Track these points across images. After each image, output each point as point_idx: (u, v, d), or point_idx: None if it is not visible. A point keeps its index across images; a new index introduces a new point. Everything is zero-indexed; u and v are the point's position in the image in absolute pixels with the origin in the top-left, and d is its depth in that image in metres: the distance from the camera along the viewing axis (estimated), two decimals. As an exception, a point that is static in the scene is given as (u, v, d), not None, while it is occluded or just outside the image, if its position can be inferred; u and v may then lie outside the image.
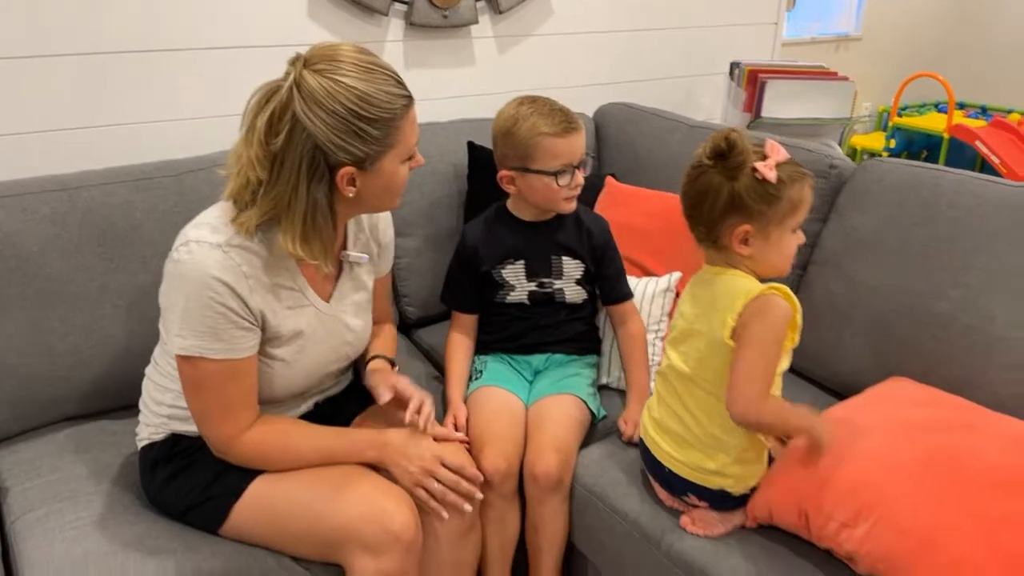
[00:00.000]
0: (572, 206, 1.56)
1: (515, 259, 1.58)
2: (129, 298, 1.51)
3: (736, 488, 1.22)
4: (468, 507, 1.27)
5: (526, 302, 1.59)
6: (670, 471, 1.25)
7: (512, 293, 1.59)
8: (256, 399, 1.23)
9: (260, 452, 1.22)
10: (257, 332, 1.19)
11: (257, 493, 1.22)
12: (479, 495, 1.30)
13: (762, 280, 1.20)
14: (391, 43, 2.00)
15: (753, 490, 1.22)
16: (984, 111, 5.12)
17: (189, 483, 1.24)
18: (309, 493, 1.20)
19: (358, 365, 1.47)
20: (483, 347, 1.64)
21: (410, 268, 1.90)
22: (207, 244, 1.14)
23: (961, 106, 5.22)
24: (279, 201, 1.13)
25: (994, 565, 0.99)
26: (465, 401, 1.53)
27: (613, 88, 2.43)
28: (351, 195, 1.17)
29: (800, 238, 1.23)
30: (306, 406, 1.36)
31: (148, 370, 1.34)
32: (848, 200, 1.63)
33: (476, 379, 1.58)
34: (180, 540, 1.22)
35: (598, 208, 1.91)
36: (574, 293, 1.60)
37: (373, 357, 1.43)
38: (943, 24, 5.34)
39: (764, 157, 1.16)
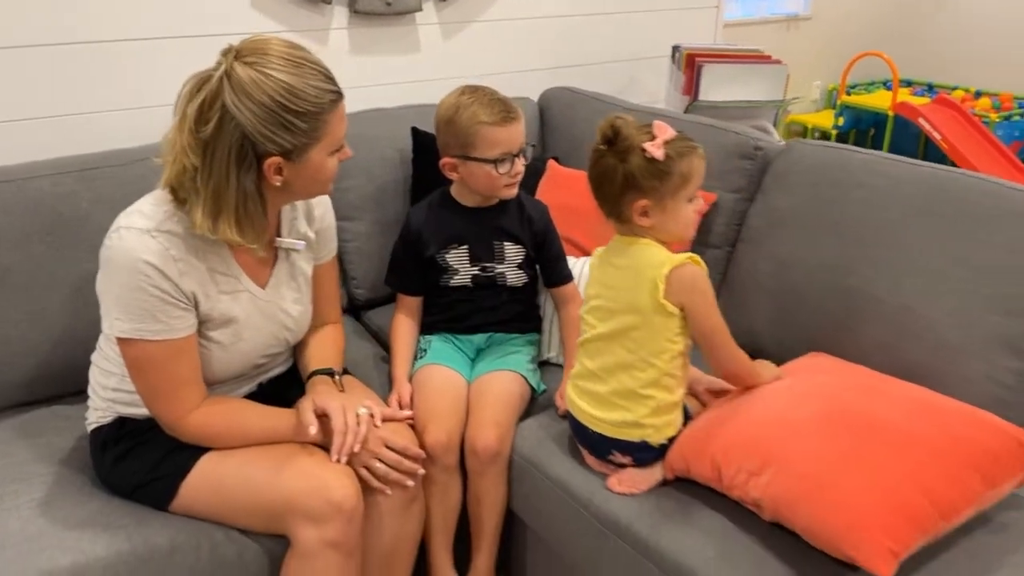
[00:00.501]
0: (513, 192, 1.63)
1: (459, 244, 1.64)
2: (76, 286, 1.55)
3: (655, 438, 1.31)
4: (410, 483, 1.34)
5: (469, 285, 1.66)
6: (594, 432, 1.34)
7: (456, 277, 1.65)
8: (201, 377, 1.29)
9: (208, 431, 1.28)
10: (193, 312, 1.24)
11: (204, 470, 1.28)
12: (421, 471, 1.37)
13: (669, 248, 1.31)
14: (336, 31, 2.04)
15: (671, 440, 1.32)
16: (931, 88, 5.25)
17: (137, 463, 1.29)
18: (254, 468, 1.27)
19: (297, 362, 1.51)
20: (427, 327, 1.70)
21: (359, 252, 1.95)
22: (135, 230, 1.19)
23: (909, 84, 5.35)
24: (216, 189, 1.18)
25: (881, 509, 1.09)
26: (410, 379, 1.60)
27: (557, 72, 2.48)
28: (279, 184, 1.22)
29: (698, 205, 1.33)
30: (249, 387, 1.42)
31: (94, 356, 1.39)
32: (772, 181, 1.71)
33: (421, 358, 1.65)
34: (132, 516, 1.28)
35: (540, 190, 1.98)
36: (515, 277, 1.66)
37: (313, 373, 1.42)
38: (891, 3, 5.45)
39: (653, 137, 1.24)
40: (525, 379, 1.59)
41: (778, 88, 2.31)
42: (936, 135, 4.32)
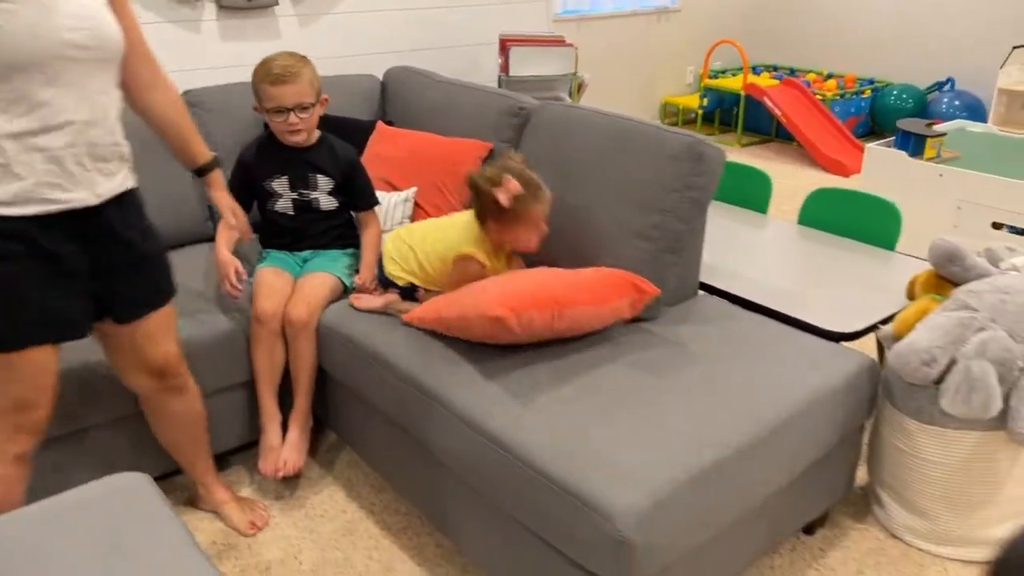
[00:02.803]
0: (296, 138, 2.04)
1: (280, 175, 2.10)
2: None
3: (398, 282, 1.96)
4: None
5: (291, 211, 2.12)
6: (388, 278, 1.96)
7: (279, 201, 2.11)
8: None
9: None
10: None
11: None
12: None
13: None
14: (207, 22, 2.57)
15: (411, 285, 1.96)
16: (792, 72, 5.90)
17: None
18: None
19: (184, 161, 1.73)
20: (265, 245, 2.22)
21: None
22: None
23: (775, 68, 6.00)
24: None
25: (510, 297, 1.63)
26: (251, 276, 2.09)
27: (408, 55, 3.03)
28: None
29: (537, 229, 1.87)
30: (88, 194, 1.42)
31: None
32: (529, 133, 2.27)
33: (260, 261, 2.16)
34: None
35: (370, 144, 2.52)
36: (328, 201, 2.13)
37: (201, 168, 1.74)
38: (752, -3, 6.04)
39: (504, 185, 1.80)
40: (340, 278, 2.14)
41: (569, 65, 2.87)
42: (777, 111, 4.97)
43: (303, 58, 2.04)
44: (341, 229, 2.23)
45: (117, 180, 1.49)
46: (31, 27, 1.27)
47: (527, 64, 2.81)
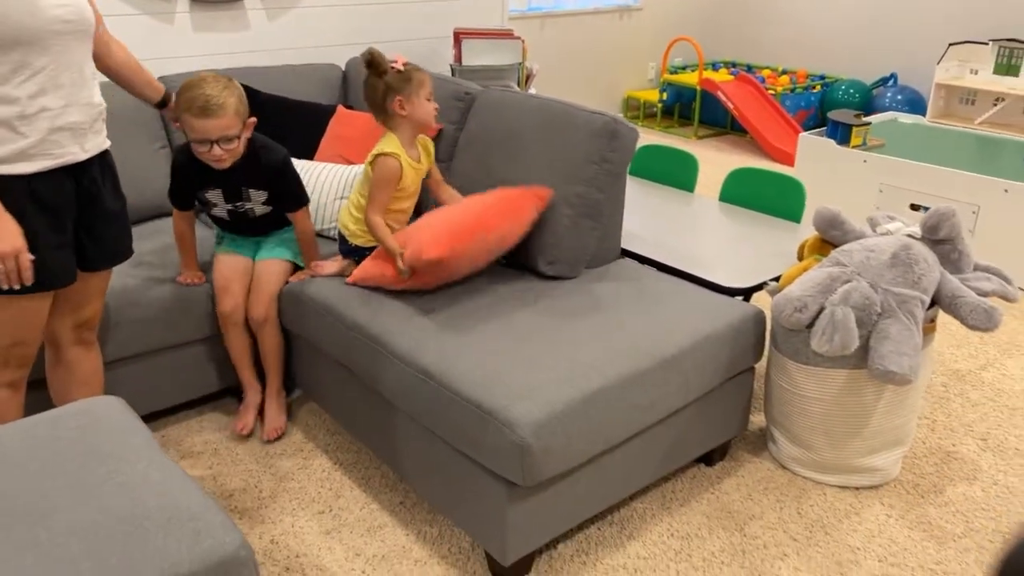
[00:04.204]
0: (220, 167, 2.01)
1: (213, 187, 2.11)
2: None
3: (356, 241, 2.16)
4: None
5: (227, 218, 2.20)
6: (354, 247, 2.17)
7: (216, 208, 2.17)
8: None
9: None
10: None
11: None
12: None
13: (419, 132, 2.11)
14: (180, 14, 2.80)
15: (361, 248, 2.15)
16: (749, 68, 6.17)
17: None
18: None
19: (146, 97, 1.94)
20: (218, 227, 2.31)
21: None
22: None
23: (733, 64, 6.27)
24: None
25: (437, 231, 1.88)
26: (213, 257, 2.24)
27: (369, 46, 3.26)
28: None
29: (432, 105, 2.07)
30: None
31: None
32: (473, 115, 2.52)
33: (219, 244, 2.28)
34: None
35: (330, 125, 2.76)
36: (262, 209, 2.19)
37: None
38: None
39: (395, 61, 2.04)
40: (292, 262, 2.29)
41: (516, 56, 3.12)
42: (730, 105, 5.24)
43: (230, 82, 1.97)
44: (280, 217, 2.29)
45: (101, 137, 1.72)
46: (28, 5, 1.50)
47: (478, 55, 3.06)
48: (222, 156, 1.97)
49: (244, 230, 2.28)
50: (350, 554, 1.85)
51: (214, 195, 2.14)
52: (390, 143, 2.08)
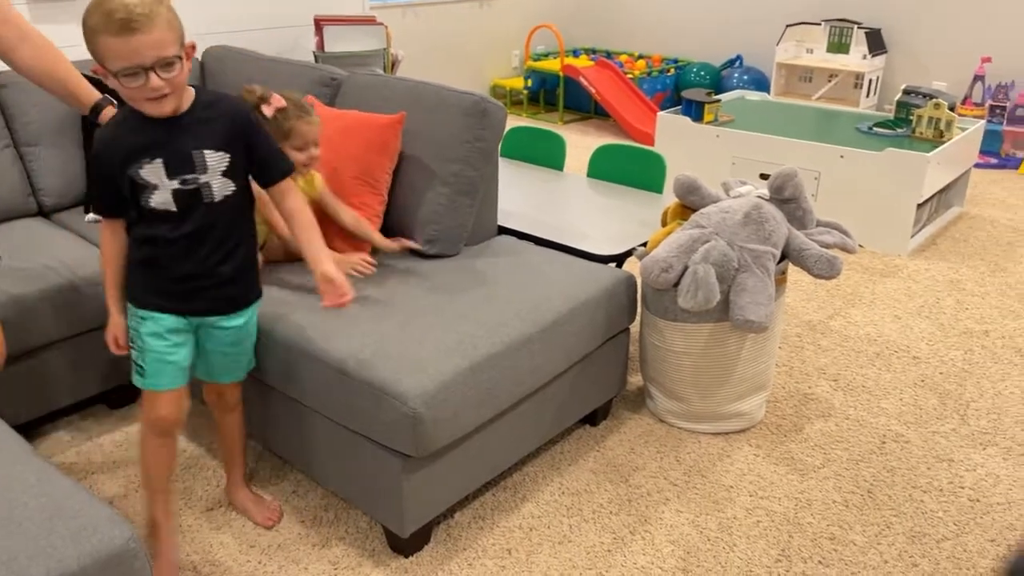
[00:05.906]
0: (161, 109, 1.43)
1: (152, 158, 1.47)
2: None
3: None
4: None
5: (172, 207, 1.50)
6: None
7: (155, 195, 1.48)
8: None
9: None
10: None
11: None
12: None
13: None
14: (18, 5, 2.63)
15: None
16: (609, 55, 6.40)
17: None
18: None
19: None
20: (142, 300, 1.58)
21: (42, 169, 2.56)
22: None
23: (593, 51, 6.48)
24: None
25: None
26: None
27: (228, 36, 3.17)
28: None
29: (308, 155, 1.91)
30: None
31: None
32: (340, 100, 2.51)
33: (139, 327, 1.58)
34: None
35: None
36: (222, 185, 1.52)
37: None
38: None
39: (269, 104, 1.91)
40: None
41: (380, 42, 3.13)
42: (592, 89, 5.42)
43: None
44: (245, 260, 1.64)
45: None
46: None
47: (341, 42, 3.04)
48: (162, 88, 1.39)
49: (195, 249, 1.55)
50: (244, 546, 1.82)
51: (153, 171, 1.48)
52: None
